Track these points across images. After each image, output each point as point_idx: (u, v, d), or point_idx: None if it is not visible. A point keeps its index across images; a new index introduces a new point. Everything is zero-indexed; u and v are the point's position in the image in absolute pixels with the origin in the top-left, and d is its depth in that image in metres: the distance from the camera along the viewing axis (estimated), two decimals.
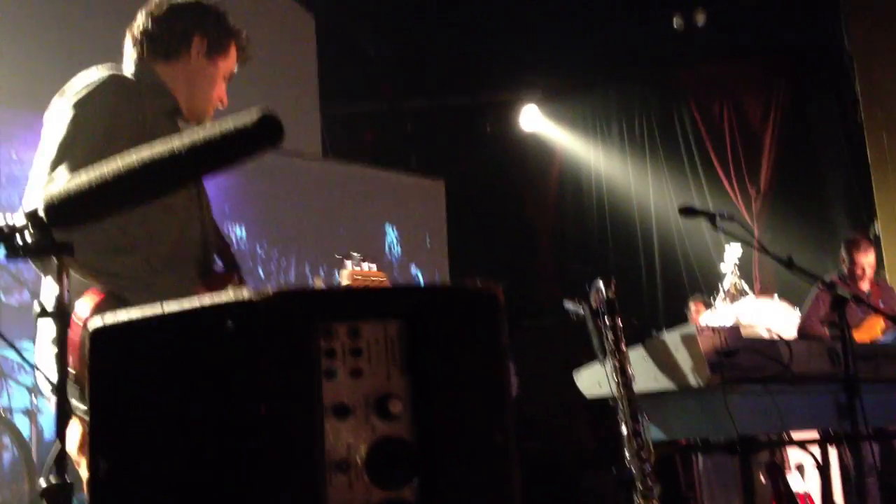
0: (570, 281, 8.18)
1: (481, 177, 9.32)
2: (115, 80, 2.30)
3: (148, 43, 2.51)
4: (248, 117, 1.39)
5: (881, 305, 5.58)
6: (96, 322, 1.26)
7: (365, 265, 2.61)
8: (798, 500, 4.17)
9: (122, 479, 1.19)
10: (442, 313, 1.20)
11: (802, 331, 5.48)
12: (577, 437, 6.95)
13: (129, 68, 2.45)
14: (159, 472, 1.17)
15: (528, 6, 7.89)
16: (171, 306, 1.20)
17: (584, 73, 9.02)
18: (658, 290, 8.95)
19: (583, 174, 9.39)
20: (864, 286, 5.71)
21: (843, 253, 5.78)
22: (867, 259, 5.71)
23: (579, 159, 9.38)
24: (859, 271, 5.69)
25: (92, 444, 1.21)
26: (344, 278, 2.54)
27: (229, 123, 1.40)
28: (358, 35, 8.62)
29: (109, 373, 1.23)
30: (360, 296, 1.21)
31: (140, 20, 2.58)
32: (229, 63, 2.64)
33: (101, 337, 1.24)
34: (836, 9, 7.46)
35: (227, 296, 1.16)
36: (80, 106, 2.17)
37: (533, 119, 9.17)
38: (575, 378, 3.71)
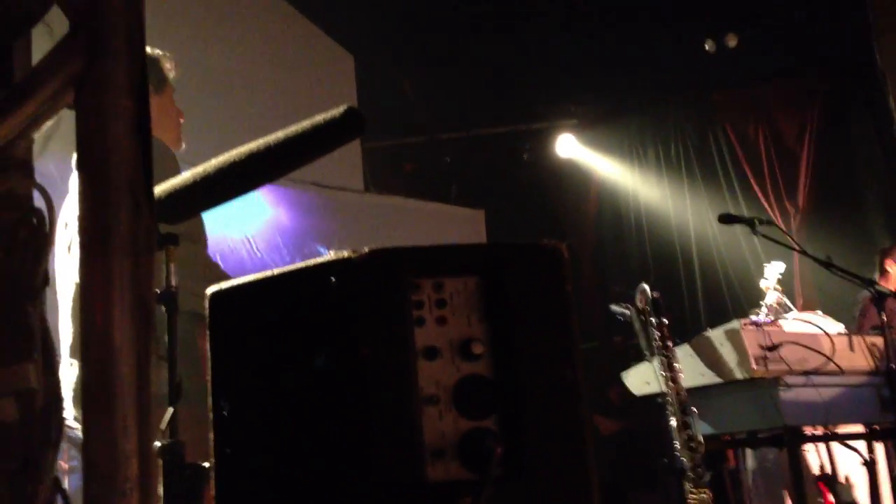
0: (613, 303, 8.25)
1: (520, 205, 9.49)
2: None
3: None
4: (335, 111, 1.59)
5: None
6: (213, 288, 1.45)
7: None
8: None
9: (242, 417, 1.37)
10: (514, 266, 1.38)
11: None
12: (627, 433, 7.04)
13: None
14: (275, 408, 1.35)
15: (561, 35, 8.09)
16: (278, 269, 1.40)
17: (620, 99, 9.20)
18: (700, 311, 9.02)
19: (621, 199, 9.53)
20: None
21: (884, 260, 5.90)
22: None
23: (617, 184, 9.52)
24: None
25: (214, 389, 1.39)
26: None
27: (318, 118, 1.59)
28: (395, 71, 8.87)
29: (227, 328, 1.42)
30: (442, 254, 1.39)
31: None
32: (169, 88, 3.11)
33: (218, 299, 1.43)
34: (867, 25, 7.58)
35: (327, 256, 1.35)
36: None
37: (570, 146, 9.33)
38: (623, 378, 3.84)
